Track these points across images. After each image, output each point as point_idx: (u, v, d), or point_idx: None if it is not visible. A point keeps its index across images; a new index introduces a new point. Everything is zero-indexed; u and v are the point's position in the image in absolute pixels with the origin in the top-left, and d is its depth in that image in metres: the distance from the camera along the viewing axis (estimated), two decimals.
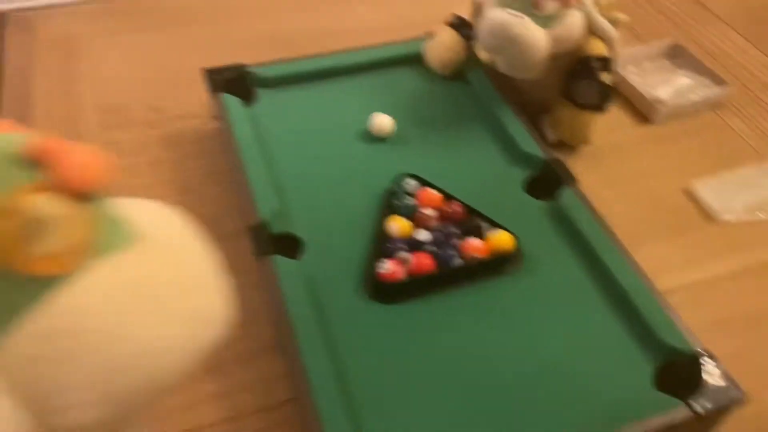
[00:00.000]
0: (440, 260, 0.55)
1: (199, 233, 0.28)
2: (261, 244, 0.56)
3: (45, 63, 0.84)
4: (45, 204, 0.21)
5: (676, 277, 0.63)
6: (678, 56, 0.87)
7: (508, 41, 0.61)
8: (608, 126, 0.78)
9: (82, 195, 0.23)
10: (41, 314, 0.21)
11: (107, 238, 0.23)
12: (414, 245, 0.56)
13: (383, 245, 0.56)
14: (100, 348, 0.22)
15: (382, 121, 0.67)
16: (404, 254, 0.55)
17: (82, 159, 0.22)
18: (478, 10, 0.72)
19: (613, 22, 0.69)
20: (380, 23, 0.92)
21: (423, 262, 0.54)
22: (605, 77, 0.68)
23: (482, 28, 0.63)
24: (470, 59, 0.75)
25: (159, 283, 0.24)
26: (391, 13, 0.94)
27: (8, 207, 0.21)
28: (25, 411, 0.21)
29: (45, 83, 0.81)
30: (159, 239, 0.25)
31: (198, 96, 0.77)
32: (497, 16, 0.61)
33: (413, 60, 0.76)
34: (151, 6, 0.94)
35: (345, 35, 0.89)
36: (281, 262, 0.55)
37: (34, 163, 0.22)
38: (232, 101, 0.69)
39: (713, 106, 0.82)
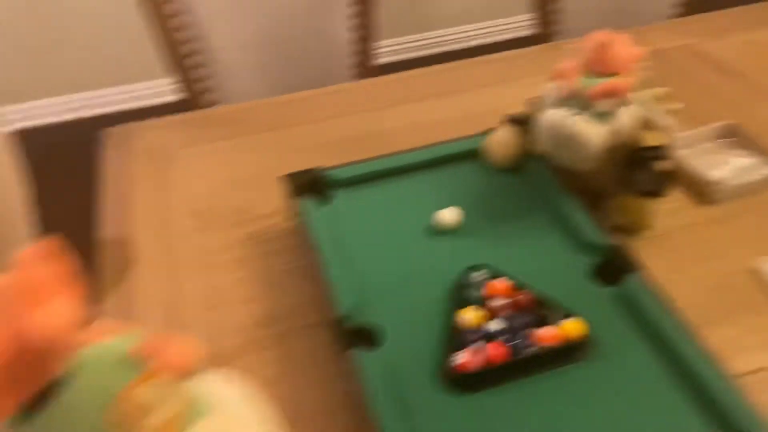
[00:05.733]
0: (513, 349, 0.57)
1: (260, 399, 0.35)
2: (341, 337, 0.60)
3: (140, 171, 0.93)
4: (148, 393, 0.29)
5: (749, 360, 0.63)
6: (734, 136, 0.89)
7: (567, 139, 0.65)
8: (670, 210, 0.80)
9: (176, 378, 0.30)
10: None
11: (192, 412, 0.31)
12: (487, 335, 0.59)
13: (456, 337, 0.59)
14: None
15: (448, 215, 0.72)
16: (478, 345, 0.58)
17: (178, 352, 0.30)
18: (535, 107, 0.77)
19: (668, 112, 0.73)
20: (441, 119, 0.98)
21: (497, 351, 0.57)
22: (661, 165, 0.71)
23: (540, 126, 0.67)
24: (529, 153, 0.79)
25: None
26: (452, 109, 1.00)
27: (122, 401, 0.29)
28: None
29: (141, 190, 0.90)
30: (227, 400, 0.33)
31: (276, 197, 0.84)
32: (554, 116, 0.65)
33: (475, 155, 0.81)
34: (232, 116, 1.04)
35: (407, 133, 0.96)
36: (361, 354, 0.58)
37: (141, 358, 0.30)
38: (309, 203, 0.75)
39: None
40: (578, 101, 0.67)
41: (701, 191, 0.82)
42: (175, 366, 0.30)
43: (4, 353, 0.26)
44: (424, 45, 2.59)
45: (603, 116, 0.67)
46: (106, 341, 0.31)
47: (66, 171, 1.89)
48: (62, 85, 2.18)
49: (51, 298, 0.26)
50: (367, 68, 1.38)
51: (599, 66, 0.67)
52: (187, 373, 0.31)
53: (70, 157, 1.96)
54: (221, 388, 0.33)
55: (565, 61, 0.70)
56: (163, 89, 2.12)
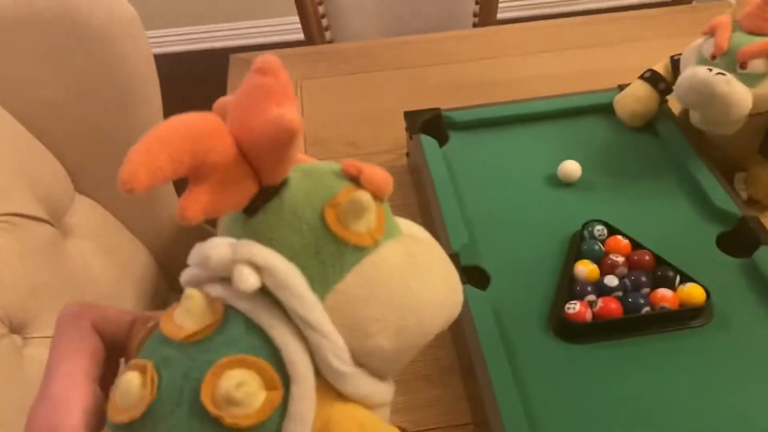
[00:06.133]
0: (628, 306, 0.56)
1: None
2: None
3: None
4: (364, 194, 0.31)
5: None
6: None
7: (710, 99, 0.61)
8: None
9: (377, 196, 0.32)
10: (359, 270, 0.31)
11: (389, 227, 0.33)
12: (602, 290, 0.58)
13: (570, 287, 0.59)
14: (393, 294, 0.31)
15: (571, 167, 0.70)
16: (591, 297, 0.57)
17: (379, 173, 0.32)
18: (674, 65, 0.73)
19: None
20: (566, 73, 0.95)
21: (610, 306, 0.56)
22: None
23: (682, 83, 0.64)
24: (661, 112, 0.76)
25: (426, 257, 0.33)
26: (578, 63, 0.97)
27: (340, 200, 0.31)
28: (345, 338, 0.30)
29: None
30: (416, 233, 0.35)
31: (391, 134, 0.85)
32: (700, 72, 0.62)
33: (602, 110, 0.78)
34: (354, 53, 1.05)
35: (531, 83, 0.93)
36: (471, 291, 0.59)
37: (347, 176, 0.32)
38: (427, 141, 0.75)
39: None
40: (726, 60, 0.63)
41: None
42: (378, 184, 0.32)
43: (256, 141, 0.29)
44: (544, 3, 2.49)
45: (752, 78, 0.63)
46: (314, 163, 0.34)
47: (193, 96, 1.97)
48: (192, 15, 2.26)
49: (287, 102, 0.29)
50: (489, 20, 1.35)
51: (759, 23, 0.62)
52: (385, 193, 0.33)
53: (196, 83, 2.05)
54: (406, 223, 0.35)
55: (719, 16, 0.65)
56: (288, 27, 2.16)
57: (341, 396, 0.31)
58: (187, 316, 0.30)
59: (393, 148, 0.85)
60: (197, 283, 0.32)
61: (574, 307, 0.56)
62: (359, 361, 0.31)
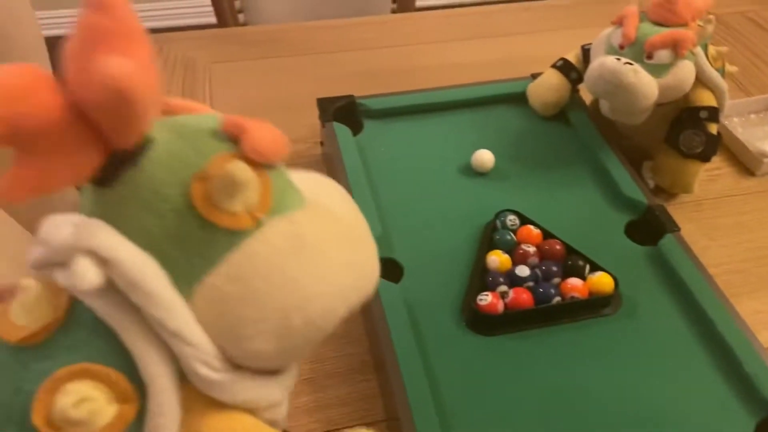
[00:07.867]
0: (539, 297, 0.56)
1: (352, 201, 0.33)
2: None
3: (167, 83, 0.91)
4: (239, 166, 0.26)
5: None
6: None
7: (618, 88, 0.62)
8: (710, 176, 0.77)
9: (264, 164, 0.27)
10: (233, 259, 0.26)
11: (282, 201, 0.27)
12: (513, 280, 0.57)
13: (483, 278, 0.58)
14: (275, 289, 0.26)
15: (484, 157, 0.69)
16: (503, 288, 0.57)
17: (267, 134, 0.27)
18: (585, 54, 0.73)
19: (722, 73, 0.70)
20: (481, 61, 0.94)
21: (522, 297, 0.56)
22: (712, 128, 0.68)
23: (591, 73, 0.64)
24: (573, 102, 0.76)
25: (324, 238, 0.28)
26: (493, 52, 0.97)
27: (211, 170, 0.25)
28: (218, 341, 0.25)
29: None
30: (322, 203, 0.29)
31: (305, 122, 0.82)
32: (608, 62, 0.62)
33: (516, 99, 0.78)
34: (266, 36, 1.00)
35: (446, 72, 0.92)
36: (383, 285, 0.57)
37: (227, 136, 0.26)
38: (341, 129, 0.73)
39: None
40: (633, 50, 0.64)
41: (745, 162, 0.79)
42: (263, 149, 0.26)
43: (88, 100, 0.22)
44: None
45: (659, 68, 0.63)
46: (190, 115, 0.28)
47: None
48: None
49: (128, 46, 0.22)
50: (407, 7, 1.33)
51: (665, 14, 0.63)
52: (273, 159, 0.27)
53: None
54: (313, 184, 0.30)
55: (627, 6, 0.66)
56: (199, 9, 2.07)
57: (219, 403, 0.27)
58: (24, 312, 0.26)
59: (307, 136, 0.82)
60: (46, 265, 0.26)
61: (486, 299, 0.55)
62: (239, 363, 0.27)
